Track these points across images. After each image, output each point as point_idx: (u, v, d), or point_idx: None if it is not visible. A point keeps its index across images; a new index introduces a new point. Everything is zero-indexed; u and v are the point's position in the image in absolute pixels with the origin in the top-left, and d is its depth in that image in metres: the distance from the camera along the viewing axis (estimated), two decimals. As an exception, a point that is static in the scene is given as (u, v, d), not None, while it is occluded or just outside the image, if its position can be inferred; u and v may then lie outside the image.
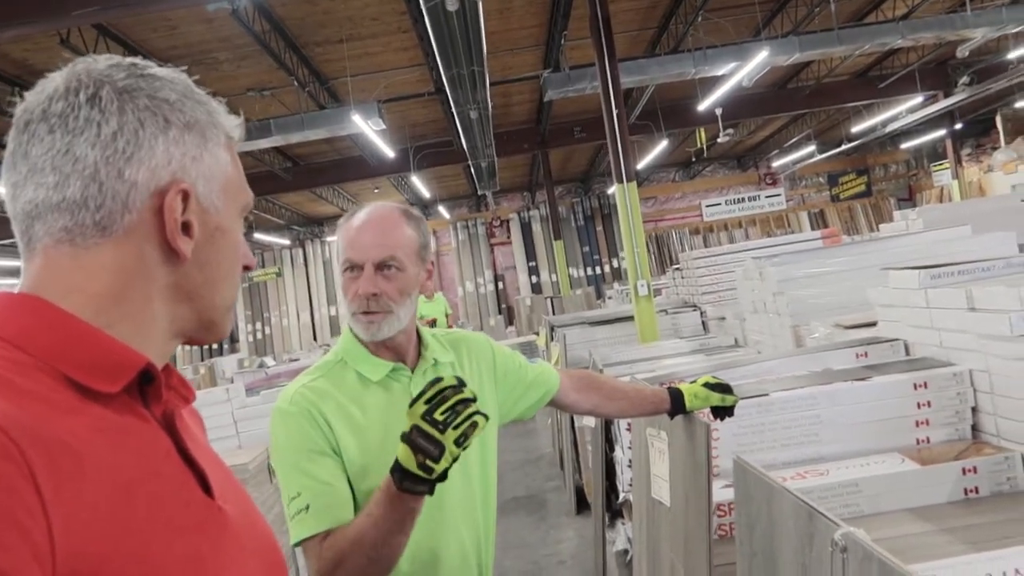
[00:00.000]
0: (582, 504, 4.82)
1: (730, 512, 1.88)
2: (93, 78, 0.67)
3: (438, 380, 1.10)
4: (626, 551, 2.63)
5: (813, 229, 17.17)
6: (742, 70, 8.50)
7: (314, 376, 1.38)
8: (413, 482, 1.07)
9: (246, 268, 0.81)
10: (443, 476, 1.07)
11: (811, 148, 16.25)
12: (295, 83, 8.70)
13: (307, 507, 1.23)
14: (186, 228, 0.70)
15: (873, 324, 2.72)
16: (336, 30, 8.01)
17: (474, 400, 1.08)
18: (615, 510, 3.01)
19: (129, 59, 0.71)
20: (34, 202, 0.66)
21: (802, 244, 5.46)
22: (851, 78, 13.10)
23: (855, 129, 15.23)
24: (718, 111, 11.22)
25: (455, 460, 1.07)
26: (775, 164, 18.40)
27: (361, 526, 1.16)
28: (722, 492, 1.90)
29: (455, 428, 1.05)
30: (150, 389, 0.68)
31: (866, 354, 2.49)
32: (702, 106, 10.53)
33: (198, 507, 0.66)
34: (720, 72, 8.73)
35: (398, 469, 1.08)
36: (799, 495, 1.07)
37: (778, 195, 15.26)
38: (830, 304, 3.32)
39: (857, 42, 8.55)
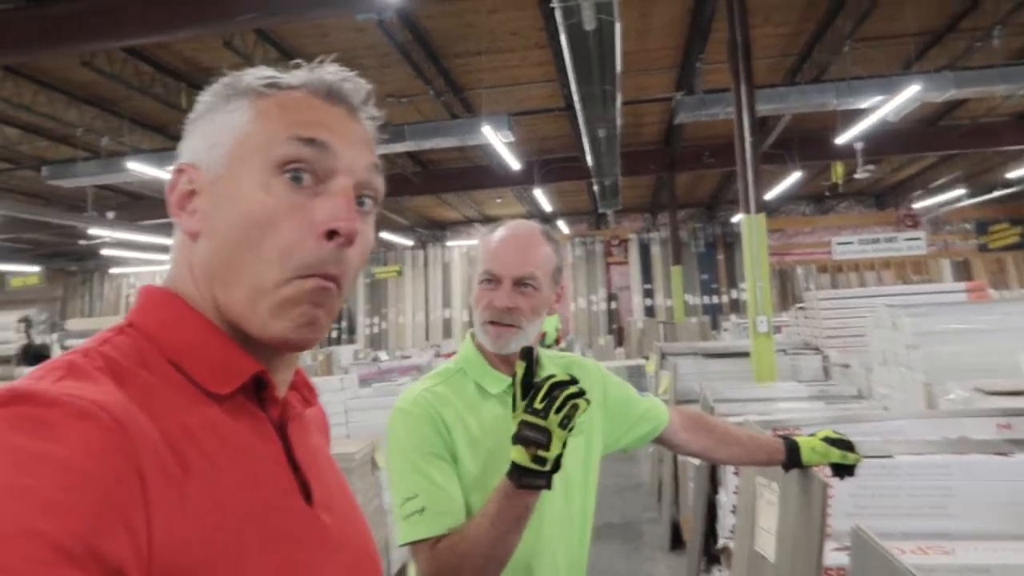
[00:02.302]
0: (676, 540, 4.67)
1: (840, 578, 1.77)
2: None
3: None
4: (721, 599, 2.53)
5: (955, 279, 16.00)
6: (889, 104, 8.04)
7: (436, 381, 1.41)
8: (531, 477, 1.09)
9: (330, 235, 0.65)
10: (557, 466, 1.09)
11: (960, 191, 15.15)
12: (431, 92, 8.98)
13: (423, 509, 1.24)
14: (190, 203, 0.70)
15: (1021, 393, 2.50)
16: (476, 43, 8.21)
17: (571, 383, 1.09)
18: (712, 555, 2.90)
19: (235, 73, 0.73)
20: None
21: (944, 296, 5.11)
22: (1012, 119, 12.12)
23: (1012, 175, 14.09)
24: (858, 145, 10.67)
25: (565, 446, 1.09)
26: (917, 205, 17.27)
27: (479, 526, 1.17)
28: (832, 555, 1.79)
29: (557, 412, 1.08)
30: (265, 393, 0.69)
31: (1009, 426, 2.28)
32: (841, 139, 10.04)
33: (297, 516, 0.66)
34: (864, 105, 8.31)
35: (514, 470, 1.10)
36: (926, 580, 0.99)
37: (918, 239, 14.22)
38: (971, 365, 3.07)
39: (1022, 81, 7.92)
